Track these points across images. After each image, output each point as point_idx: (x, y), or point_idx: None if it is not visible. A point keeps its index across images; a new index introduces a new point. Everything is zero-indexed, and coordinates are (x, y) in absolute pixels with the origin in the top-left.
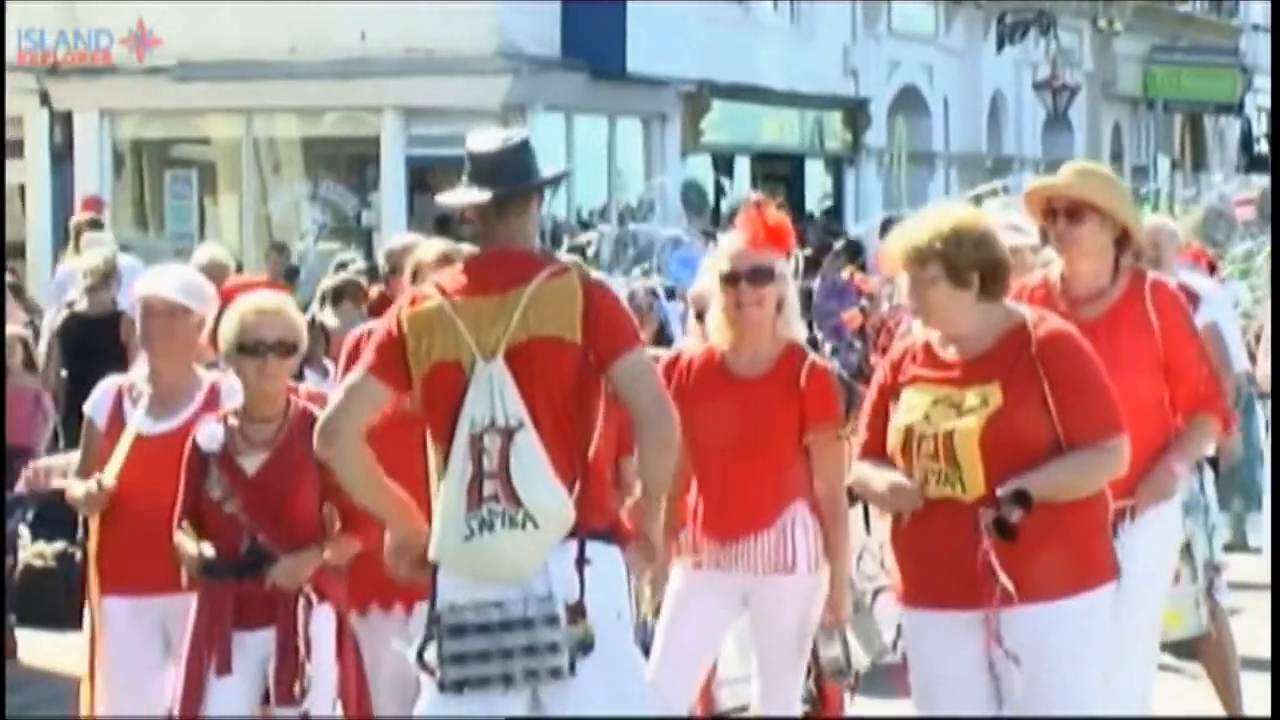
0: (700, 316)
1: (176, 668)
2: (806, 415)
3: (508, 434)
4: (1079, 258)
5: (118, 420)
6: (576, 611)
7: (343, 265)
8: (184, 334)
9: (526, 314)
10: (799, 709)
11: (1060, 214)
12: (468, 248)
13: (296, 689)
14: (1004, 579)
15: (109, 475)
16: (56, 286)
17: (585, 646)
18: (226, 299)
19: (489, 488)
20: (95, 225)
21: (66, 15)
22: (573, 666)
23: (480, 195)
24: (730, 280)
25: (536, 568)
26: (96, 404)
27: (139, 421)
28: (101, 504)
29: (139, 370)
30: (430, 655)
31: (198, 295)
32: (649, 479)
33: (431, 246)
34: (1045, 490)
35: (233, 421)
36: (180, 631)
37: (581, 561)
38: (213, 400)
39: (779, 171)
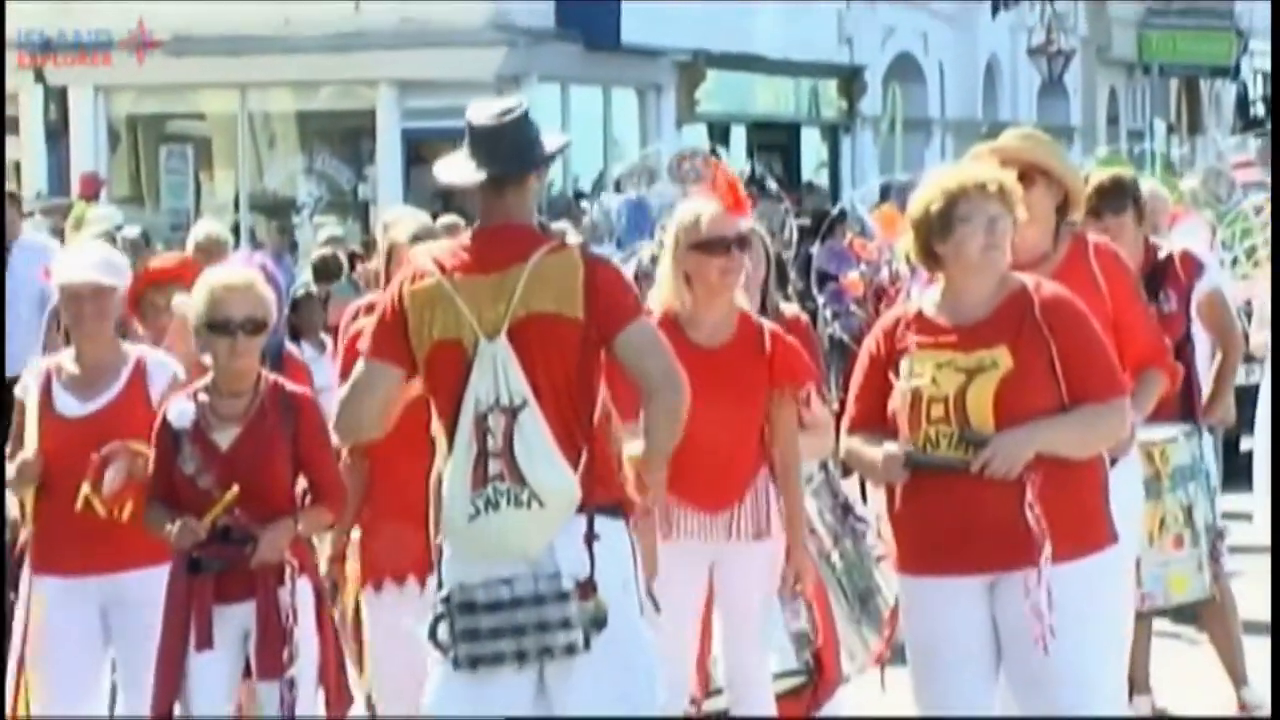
0: None
1: (118, 647)
2: (773, 378)
3: (512, 413)
4: (1026, 224)
5: (48, 403)
6: (588, 588)
7: (332, 239)
8: (111, 313)
9: (526, 291)
10: (770, 679)
11: None
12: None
13: (285, 655)
14: (1046, 537)
15: (29, 452)
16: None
17: (599, 622)
18: (142, 282)
19: (494, 467)
20: (12, 199)
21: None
22: (588, 642)
23: (475, 176)
24: (715, 248)
25: (543, 546)
26: (27, 387)
27: (62, 403)
28: (29, 482)
29: (67, 351)
30: (443, 633)
31: (117, 271)
32: (654, 447)
33: (403, 227)
34: (1053, 441)
35: (203, 397)
36: (122, 613)
37: (590, 537)
38: (139, 378)
39: (774, 140)
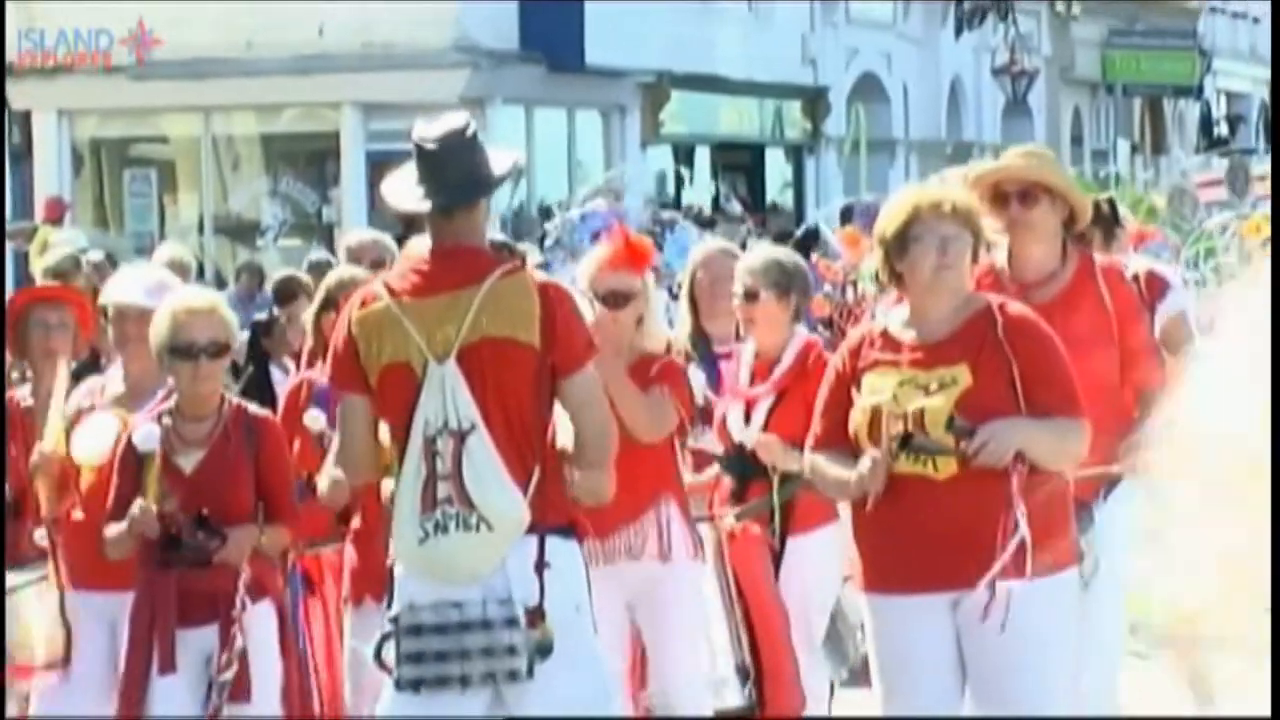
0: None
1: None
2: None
3: (460, 436)
4: (1031, 242)
5: None
6: (536, 615)
7: (315, 265)
8: None
9: (479, 315)
10: (703, 704)
11: (1012, 197)
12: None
13: (222, 659)
14: (1026, 527)
15: (49, 444)
16: None
17: (544, 650)
18: (16, 306)
19: (443, 490)
20: None
21: (22, 14)
22: (530, 670)
23: (422, 205)
24: (603, 300)
25: (492, 569)
26: (78, 405)
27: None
28: (52, 476)
29: (115, 371)
30: (388, 653)
31: (166, 293)
32: (583, 492)
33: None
34: (1032, 439)
35: (167, 421)
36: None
37: (541, 564)
38: (171, 396)
39: (739, 161)
